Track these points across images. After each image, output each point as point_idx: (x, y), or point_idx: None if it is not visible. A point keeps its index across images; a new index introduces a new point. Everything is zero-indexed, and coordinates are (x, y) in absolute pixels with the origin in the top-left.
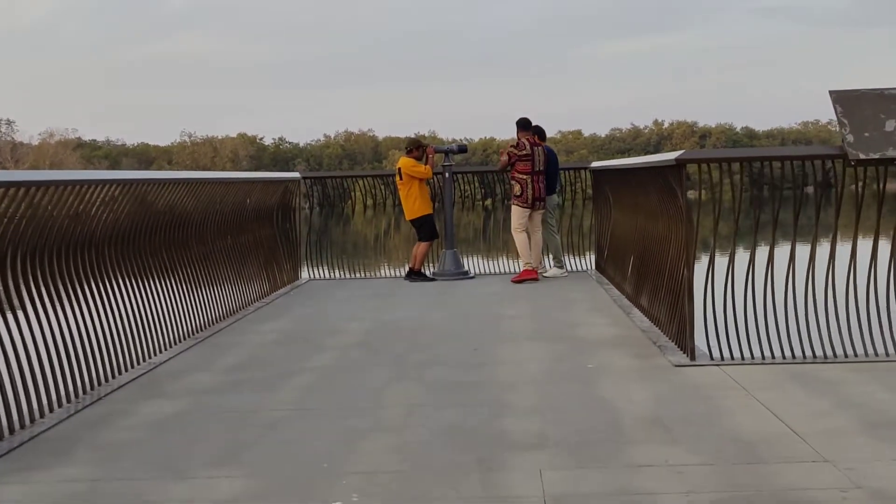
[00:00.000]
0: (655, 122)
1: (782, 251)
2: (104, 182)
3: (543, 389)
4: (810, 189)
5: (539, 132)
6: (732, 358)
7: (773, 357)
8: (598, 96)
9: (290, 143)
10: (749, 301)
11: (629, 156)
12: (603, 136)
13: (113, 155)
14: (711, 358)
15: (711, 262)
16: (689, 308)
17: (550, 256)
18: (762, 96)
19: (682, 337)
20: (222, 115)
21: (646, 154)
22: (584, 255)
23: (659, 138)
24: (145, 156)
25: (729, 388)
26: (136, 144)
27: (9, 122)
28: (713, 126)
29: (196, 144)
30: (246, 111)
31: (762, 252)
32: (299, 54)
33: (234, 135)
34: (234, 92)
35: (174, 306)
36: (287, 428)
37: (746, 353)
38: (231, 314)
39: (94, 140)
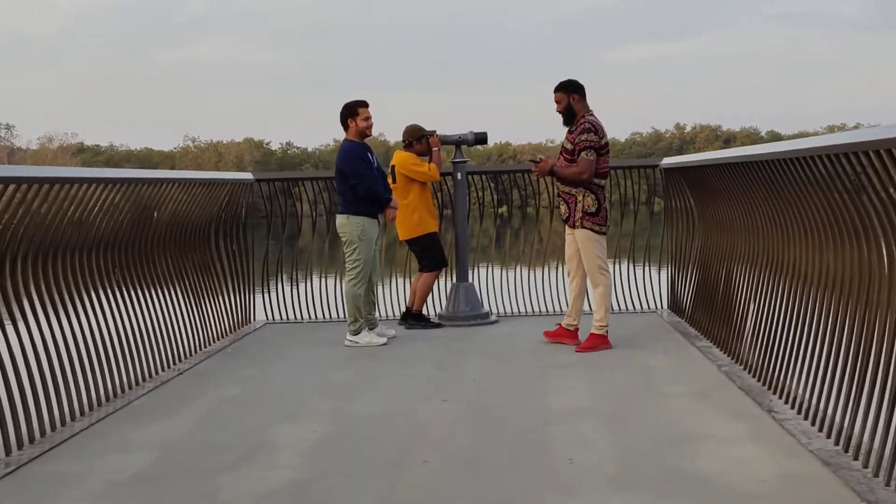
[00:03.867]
0: (677, 126)
1: None
2: None
3: None
4: None
5: (345, 114)
6: None
7: None
8: (616, 101)
9: (298, 147)
10: None
11: (652, 159)
12: (623, 140)
13: (115, 160)
14: None
15: None
16: None
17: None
18: (782, 101)
19: None
20: (231, 121)
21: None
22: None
23: (681, 142)
24: (148, 160)
25: None
26: (139, 149)
27: (8, 127)
28: (737, 130)
29: (200, 149)
30: (255, 116)
31: None
32: (312, 59)
33: (240, 140)
34: (243, 97)
35: None
36: None
37: None
38: (107, 400)
39: (98, 145)
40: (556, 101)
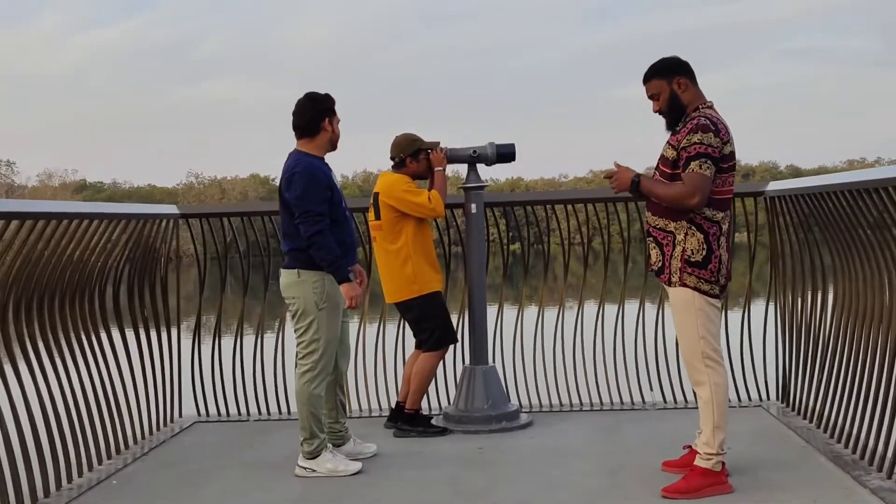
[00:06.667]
0: None
1: None
2: None
3: None
4: None
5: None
6: None
7: None
8: (629, 138)
9: None
10: None
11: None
12: None
13: (116, 197)
14: None
15: None
16: None
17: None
18: (798, 135)
19: None
20: (237, 158)
21: None
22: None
23: None
24: (151, 197)
25: None
26: (143, 185)
27: (9, 164)
28: (756, 164)
29: (204, 185)
30: (261, 153)
31: None
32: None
33: (245, 176)
34: (250, 135)
35: None
36: None
37: None
38: None
39: (101, 182)
40: (652, 97)
